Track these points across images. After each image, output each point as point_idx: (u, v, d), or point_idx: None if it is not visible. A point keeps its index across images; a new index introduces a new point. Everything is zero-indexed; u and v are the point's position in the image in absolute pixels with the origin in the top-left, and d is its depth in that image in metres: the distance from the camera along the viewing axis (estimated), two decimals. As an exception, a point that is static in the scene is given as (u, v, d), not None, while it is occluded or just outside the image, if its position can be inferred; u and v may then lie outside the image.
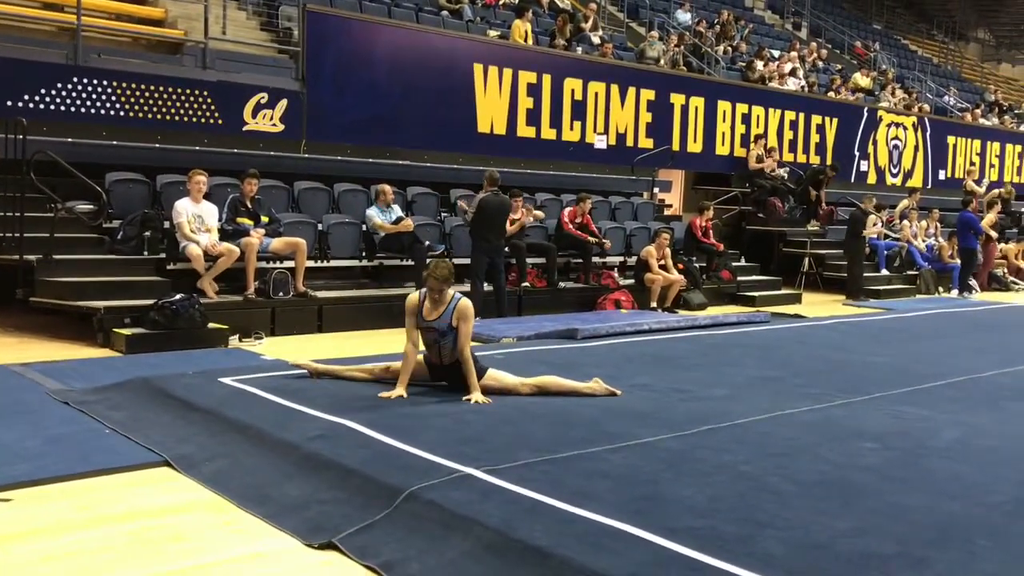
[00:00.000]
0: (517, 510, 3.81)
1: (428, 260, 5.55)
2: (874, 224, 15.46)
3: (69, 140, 9.12)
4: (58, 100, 9.17)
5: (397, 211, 10.52)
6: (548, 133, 13.17)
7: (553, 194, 13.06)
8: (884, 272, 15.81)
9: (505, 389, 5.96)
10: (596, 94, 13.73)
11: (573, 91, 13.44)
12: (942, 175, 20.52)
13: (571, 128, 13.47)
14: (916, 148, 19.84)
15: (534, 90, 12.95)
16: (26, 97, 9.00)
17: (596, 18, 17.09)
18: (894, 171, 19.33)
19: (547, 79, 13.08)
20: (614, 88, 13.94)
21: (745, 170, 15.87)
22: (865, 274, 15.15)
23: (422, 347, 5.95)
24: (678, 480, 4.33)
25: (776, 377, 7.19)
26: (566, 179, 13.46)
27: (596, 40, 15.90)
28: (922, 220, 17.33)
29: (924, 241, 16.92)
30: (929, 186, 19.84)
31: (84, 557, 3.54)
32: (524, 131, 12.89)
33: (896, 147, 19.29)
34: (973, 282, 16.13)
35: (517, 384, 6.03)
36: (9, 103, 8.88)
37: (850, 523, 3.82)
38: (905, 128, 19.49)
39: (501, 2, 16.34)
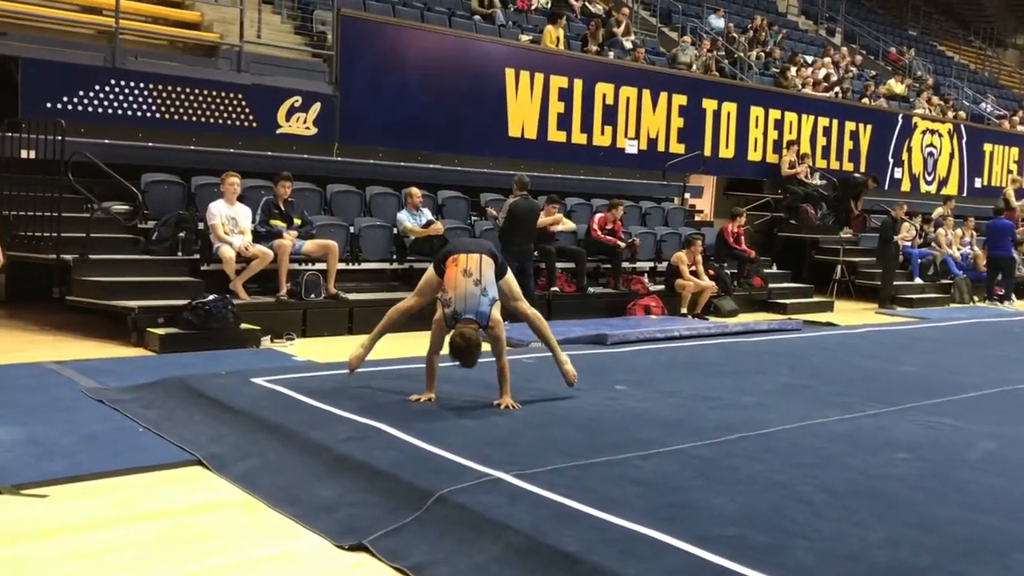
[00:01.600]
0: (547, 515, 3.81)
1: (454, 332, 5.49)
2: (908, 229, 15.28)
3: (106, 141, 9.23)
4: (96, 102, 9.30)
5: (427, 214, 10.56)
6: (579, 138, 13.15)
7: (583, 199, 13.03)
8: (918, 280, 15.63)
9: (512, 295, 5.93)
10: (628, 99, 13.68)
11: (604, 96, 13.40)
12: (978, 183, 20.25)
13: (602, 133, 13.42)
14: (951, 155, 19.59)
15: (565, 94, 12.94)
16: (64, 99, 9.13)
17: (628, 23, 17.06)
18: (928, 178, 19.10)
19: (578, 84, 13.07)
20: (646, 93, 13.90)
21: (777, 176, 15.75)
22: (899, 282, 14.99)
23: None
24: (709, 488, 4.30)
25: (807, 386, 7.13)
26: (596, 184, 13.42)
27: (628, 45, 15.87)
28: (957, 228, 17.11)
29: (959, 250, 16.71)
30: (964, 194, 19.58)
31: (115, 554, 3.58)
32: (555, 135, 12.88)
33: (931, 154, 19.06)
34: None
35: (524, 305, 5.98)
36: (48, 104, 9.01)
37: (882, 534, 3.78)
38: (940, 135, 19.25)
39: (533, 7, 16.37)
